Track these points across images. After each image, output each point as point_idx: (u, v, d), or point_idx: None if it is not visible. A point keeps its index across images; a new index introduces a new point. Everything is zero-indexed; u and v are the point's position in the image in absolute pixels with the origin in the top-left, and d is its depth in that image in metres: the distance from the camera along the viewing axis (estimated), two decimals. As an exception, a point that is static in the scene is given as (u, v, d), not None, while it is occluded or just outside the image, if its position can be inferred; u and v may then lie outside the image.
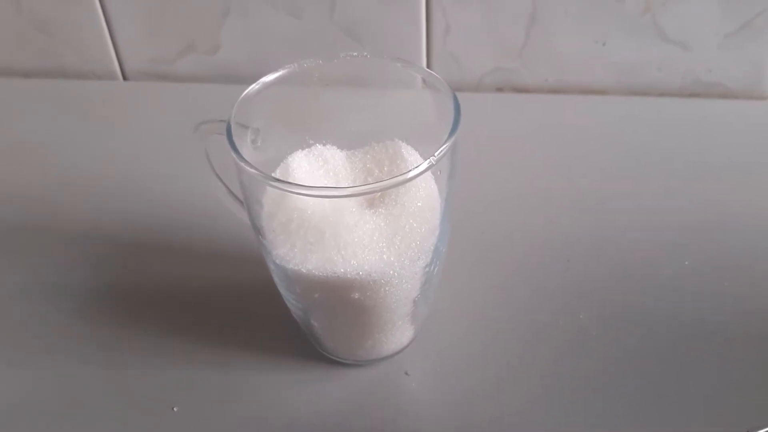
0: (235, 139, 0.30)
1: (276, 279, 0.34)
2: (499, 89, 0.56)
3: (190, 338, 0.38)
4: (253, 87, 0.33)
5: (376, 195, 0.32)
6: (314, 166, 0.34)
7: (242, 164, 0.29)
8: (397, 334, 0.35)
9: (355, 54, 0.34)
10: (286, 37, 0.55)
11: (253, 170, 0.29)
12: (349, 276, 0.31)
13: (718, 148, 0.49)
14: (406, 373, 0.36)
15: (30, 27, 0.57)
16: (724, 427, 0.33)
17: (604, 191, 0.46)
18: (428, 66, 0.55)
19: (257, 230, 0.33)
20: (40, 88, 0.59)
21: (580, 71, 0.54)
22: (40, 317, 0.40)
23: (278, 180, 0.30)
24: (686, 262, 0.40)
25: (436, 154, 0.29)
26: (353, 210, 0.32)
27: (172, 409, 0.35)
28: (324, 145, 0.35)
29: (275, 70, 0.33)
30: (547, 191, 0.46)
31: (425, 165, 0.29)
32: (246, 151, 0.31)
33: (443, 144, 0.29)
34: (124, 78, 0.59)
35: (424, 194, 0.32)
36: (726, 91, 0.53)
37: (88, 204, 0.47)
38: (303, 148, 0.35)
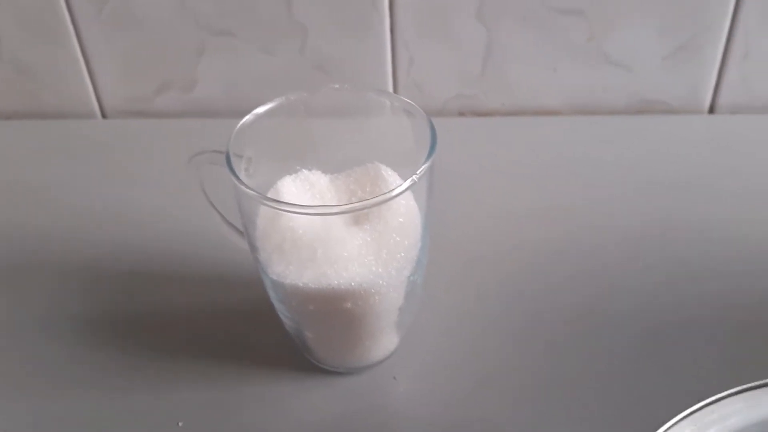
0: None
1: (272, 294, 0.36)
2: (461, 113, 0.59)
3: (188, 358, 0.40)
4: (248, 118, 0.35)
5: (363, 213, 0.34)
6: (301, 190, 0.37)
7: (242, 188, 0.32)
8: (385, 340, 0.38)
9: (337, 86, 0.37)
10: (260, 73, 0.57)
11: (253, 193, 0.32)
12: (342, 287, 0.33)
13: (663, 160, 0.52)
14: (394, 378, 0.39)
15: (10, 70, 0.59)
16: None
17: (558, 204, 0.49)
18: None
19: (254, 249, 0.35)
20: (21, 129, 0.60)
21: (533, 95, 0.58)
22: (40, 348, 0.41)
23: (276, 200, 0.32)
24: (640, 265, 0.44)
25: (417, 173, 0.32)
26: (341, 228, 0.34)
27: (178, 424, 0.37)
28: (310, 170, 0.38)
29: (264, 103, 0.36)
30: (507, 205, 0.49)
31: (408, 183, 0.32)
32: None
33: (423, 165, 0.32)
34: (103, 116, 0.61)
35: (404, 211, 0.35)
36: (668, 108, 0.57)
37: (76, 240, 0.48)
38: (290, 174, 0.37)
